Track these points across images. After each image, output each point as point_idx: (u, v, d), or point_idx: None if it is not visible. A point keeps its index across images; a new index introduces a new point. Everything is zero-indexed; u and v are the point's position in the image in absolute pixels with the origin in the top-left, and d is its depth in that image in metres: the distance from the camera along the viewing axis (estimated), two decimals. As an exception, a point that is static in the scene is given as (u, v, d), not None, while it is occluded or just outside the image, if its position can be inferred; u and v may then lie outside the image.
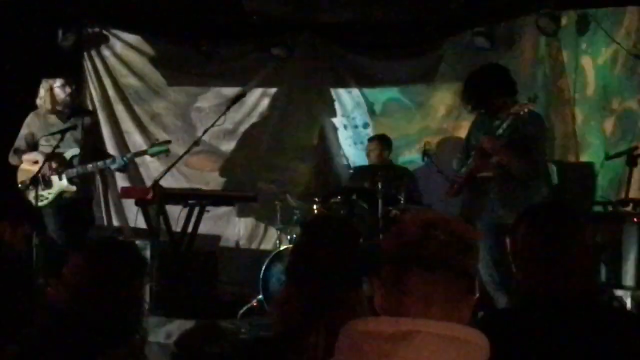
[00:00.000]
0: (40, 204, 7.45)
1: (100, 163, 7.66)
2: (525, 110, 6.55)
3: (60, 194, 7.63)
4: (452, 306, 2.01)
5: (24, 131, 7.84)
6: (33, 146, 7.76)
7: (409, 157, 9.73)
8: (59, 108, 7.73)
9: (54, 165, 7.55)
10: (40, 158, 7.56)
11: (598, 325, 2.80)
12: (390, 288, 2.04)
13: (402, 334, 1.92)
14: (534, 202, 6.39)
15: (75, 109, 7.91)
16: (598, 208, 7.61)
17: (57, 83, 7.73)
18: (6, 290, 3.64)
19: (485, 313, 3.15)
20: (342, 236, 3.33)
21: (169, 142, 8.00)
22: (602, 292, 6.61)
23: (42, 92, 7.74)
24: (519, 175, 6.64)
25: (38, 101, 7.78)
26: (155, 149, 7.89)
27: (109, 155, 8.01)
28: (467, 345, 1.95)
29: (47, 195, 7.59)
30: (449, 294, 2.01)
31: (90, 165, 7.63)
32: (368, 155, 9.33)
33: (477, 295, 2.09)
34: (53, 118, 7.76)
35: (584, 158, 8.51)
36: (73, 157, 7.63)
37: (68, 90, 7.76)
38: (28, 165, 7.66)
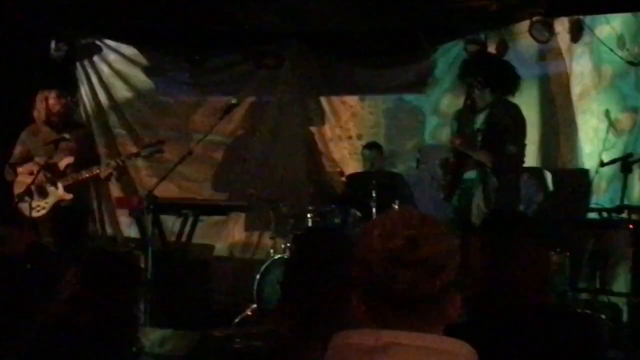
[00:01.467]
0: (36, 214, 7.41)
1: (94, 168, 7.60)
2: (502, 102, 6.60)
3: (57, 203, 7.58)
4: (432, 323, 2.01)
5: (18, 147, 7.78)
6: (28, 160, 7.71)
7: (404, 165, 9.73)
8: (53, 119, 7.69)
9: (48, 175, 7.51)
10: (35, 168, 7.52)
11: (547, 338, 2.79)
12: (367, 311, 2.04)
13: (382, 346, 1.94)
14: (518, 196, 6.46)
15: (68, 122, 7.86)
16: (593, 215, 7.61)
17: (52, 94, 7.70)
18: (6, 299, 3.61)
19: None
20: (336, 248, 3.31)
21: (162, 142, 7.94)
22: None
23: (38, 103, 7.71)
24: (499, 170, 6.64)
25: (34, 113, 7.75)
26: (149, 150, 7.82)
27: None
28: (446, 355, 1.96)
29: (44, 205, 7.55)
30: (426, 318, 2.00)
31: (84, 172, 7.57)
32: (363, 162, 9.33)
33: (459, 299, 2.06)
34: (47, 130, 7.71)
35: (579, 164, 8.51)
36: (67, 165, 7.59)
37: (63, 101, 7.72)
38: (24, 176, 7.61)
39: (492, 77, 6.71)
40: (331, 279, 3.13)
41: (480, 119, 6.69)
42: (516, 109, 6.78)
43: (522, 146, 6.77)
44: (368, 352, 1.95)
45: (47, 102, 7.68)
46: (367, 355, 1.94)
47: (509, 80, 6.75)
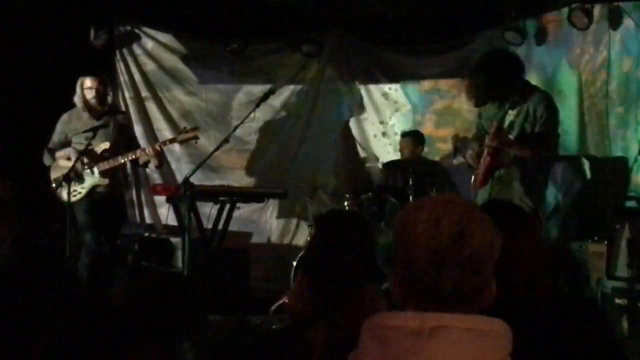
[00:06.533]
0: (73, 199, 7.45)
1: (130, 153, 7.64)
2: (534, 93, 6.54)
3: (93, 188, 7.62)
4: (470, 307, 2.00)
5: (57, 132, 7.83)
6: (66, 145, 7.77)
7: (441, 154, 9.71)
8: (90, 105, 7.74)
9: (85, 160, 7.56)
10: (73, 154, 7.58)
11: (556, 328, 2.76)
12: (405, 299, 2.03)
13: (429, 330, 1.91)
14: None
15: (108, 108, 7.91)
16: (631, 203, 7.54)
17: (87, 81, 7.75)
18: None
19: None
20: (353, 231, 3.34)
21: (196, 128, 7.97)
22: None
23: (78, 90, 7.77)
24: (537, 161, 6.58)
25: (75, 99, 7.80)
26: (184, 136, 7.85)
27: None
28: (491, 335, 1.94)
29: (80, 190, 7.58)
30: (465, 305, 1.99)
31: (120, 157, 7.61)
32: (401, 150, 9.30)
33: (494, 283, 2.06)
34: (86, 116, 7.76)
35: (617, 153, 8.42)
36: (104, 151, 7.63)
37: (101, 88, 7.76)
38: (61, 162, 7.68)
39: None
40: (347, 260, 3.17)
41: (513, 111, 6.62)
42: (548, 100, 6.71)
43: (557, 137, 6.72)
44: (412, 335, 1.91)
45: (83, 88, 7.74)
46: (411, 338, 1.91)
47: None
